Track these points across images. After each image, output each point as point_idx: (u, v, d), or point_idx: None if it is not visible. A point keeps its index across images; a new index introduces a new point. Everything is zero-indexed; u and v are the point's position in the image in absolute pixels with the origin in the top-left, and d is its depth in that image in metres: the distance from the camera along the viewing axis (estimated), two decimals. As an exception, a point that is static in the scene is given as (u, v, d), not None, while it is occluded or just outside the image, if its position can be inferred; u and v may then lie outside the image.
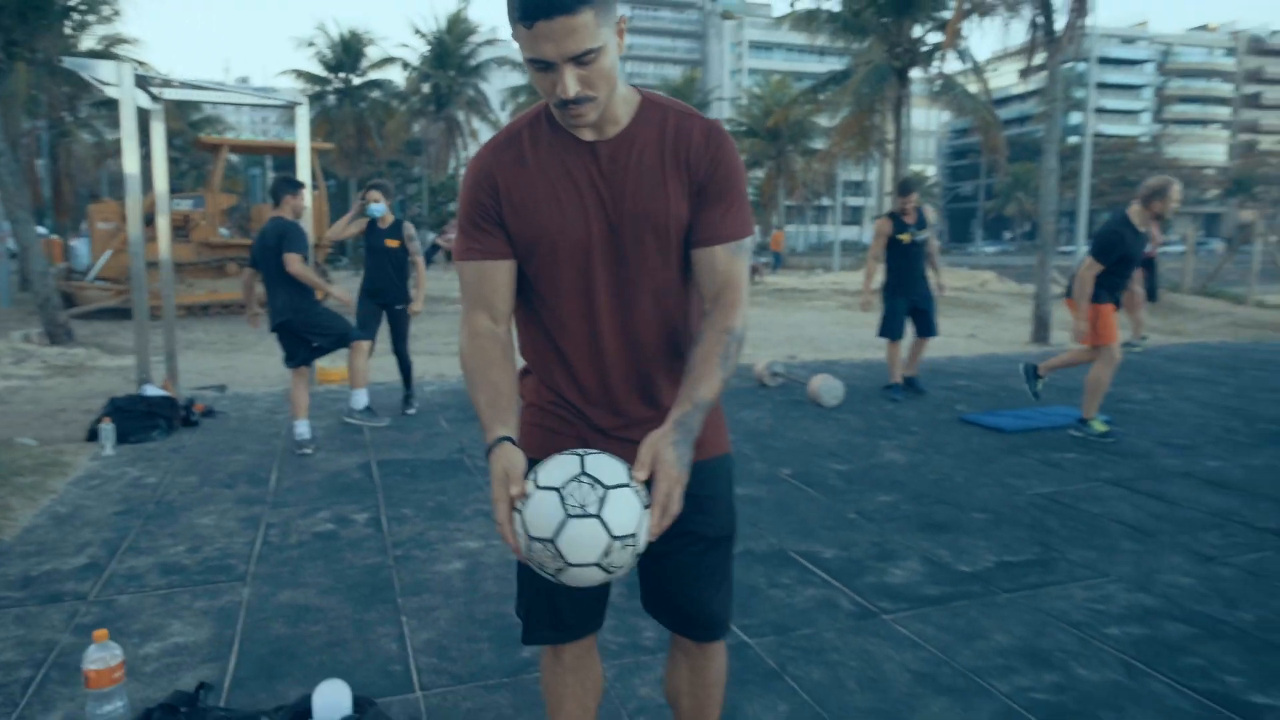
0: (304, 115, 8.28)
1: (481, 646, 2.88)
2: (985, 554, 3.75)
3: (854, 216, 72.93)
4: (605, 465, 1.40)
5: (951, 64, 22.22)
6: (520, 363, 1.72)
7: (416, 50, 40.54)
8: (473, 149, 41.04)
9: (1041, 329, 12.20)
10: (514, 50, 45.43)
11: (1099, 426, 5.78)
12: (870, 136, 25.18)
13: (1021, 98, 78.67)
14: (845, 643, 2.93)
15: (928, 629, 3.03)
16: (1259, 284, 18.07)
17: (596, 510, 1.34)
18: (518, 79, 43.16)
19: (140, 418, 5.60)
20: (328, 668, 2.70)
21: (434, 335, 12.08)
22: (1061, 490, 4.67)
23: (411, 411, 6.53)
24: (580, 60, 1.41)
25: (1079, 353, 6.08)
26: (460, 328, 1.65)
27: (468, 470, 5.02)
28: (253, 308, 5.81)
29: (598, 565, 1.35)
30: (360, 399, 5.64)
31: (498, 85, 43.31)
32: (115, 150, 33.66)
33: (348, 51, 39.69)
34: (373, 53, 40.03)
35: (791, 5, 23.97)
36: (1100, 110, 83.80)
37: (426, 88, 39.73)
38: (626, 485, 1.38)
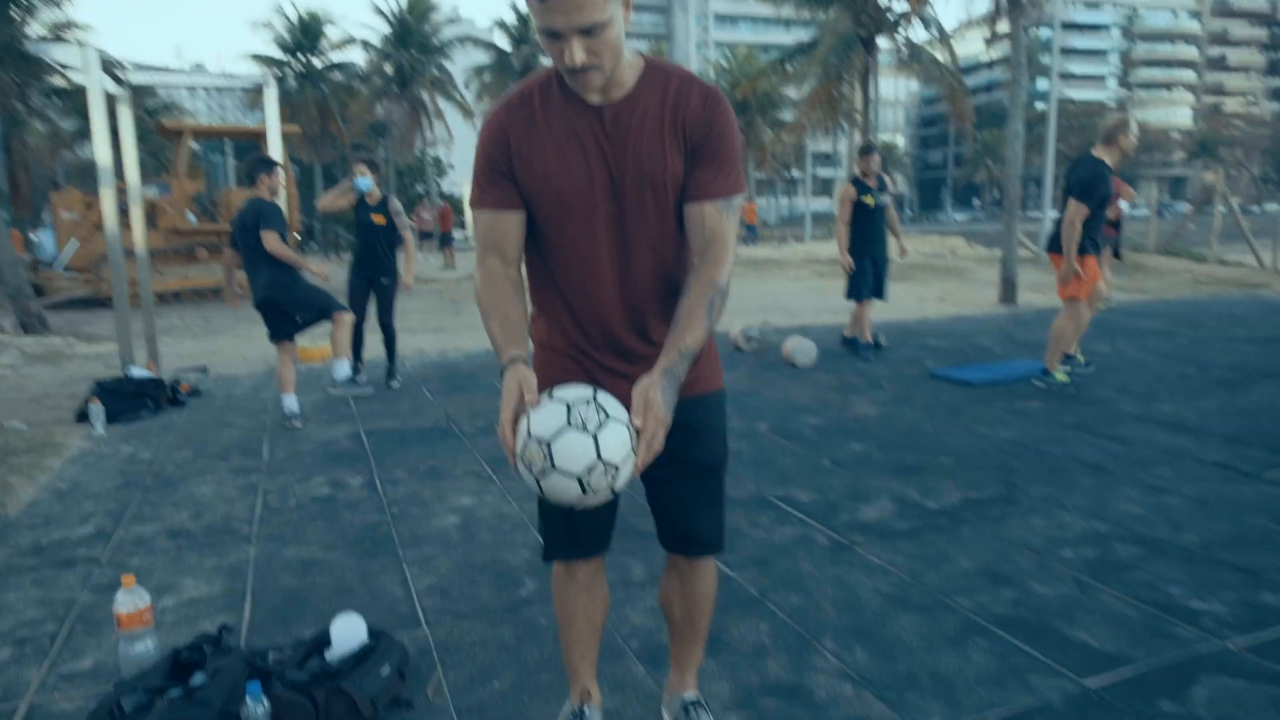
0: (273, 97, 8.33)
1: (481, 588, 3.06)
2: (952, 492, 3.98)
3: (824, 188, 73.05)
4: (613, 402, 1.57)
5: (917, 32, 22.39)
6: (531, 307, 1.88)
7: (378, 30, 40.07)
8: (439, 129, 40.77)
9: (1009, 290, 12.47)
10: (478, 29, 45.02)
11: (1061, 376, 6.03)
12: (838, 107, 25.34)
13: (989, 65, 78.98)
14: (821, 572, 3.14)
15: (897, 558, 3.25)
16: (1221, 243, 18.51)
17: (594, 430, 1.51)
18: (481, 57, 42.79)
19: (128, 398, 5.70)
20: (338, 611, 2.86)
21: (411, 313, 12.15)
22: (1025, 435, 4.91)
23: (395, 385, 6.67)
24: (588, 32, 1.54)
25: (1069, 317, 6.05)
26: (475, 270, 1.81)
27: (455, 436, 5.18)
28: (231, 288, 5.87)
29: (578, 479, 1.50)
30: (343, 369, 5.79)
31: (462, 64, 42.91)
32: (72, 139, 33.20)
33: (306, 33, 39.18)
34: (333, 33, 39.56)
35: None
36: (1066, 76, 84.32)
37: (389, 68, 39.34)
38: (625, 425, 1.55)
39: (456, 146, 45.28)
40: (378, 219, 6.41)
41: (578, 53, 1.55)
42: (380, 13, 39.68)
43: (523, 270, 1.85)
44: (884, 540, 3.43)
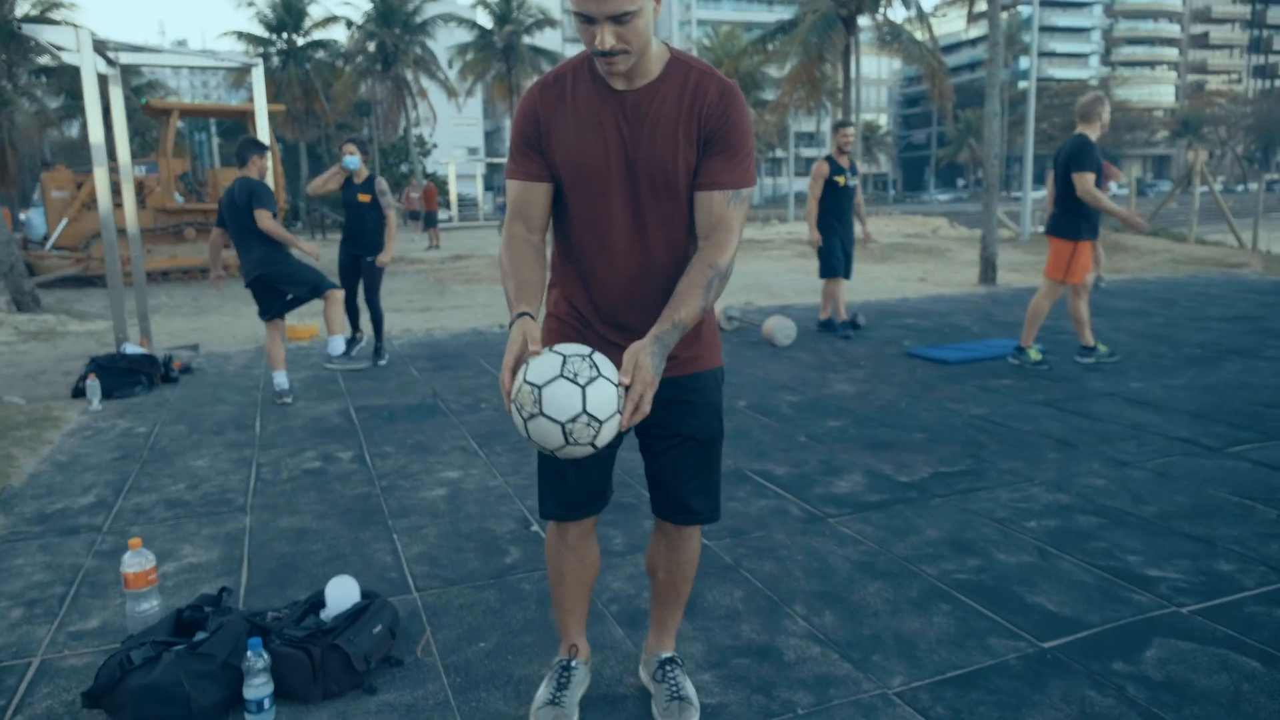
0: (259, 77, 8.37)
1: (468, 556, 3.19)
2: (923, 467, 4.13)
3: (807, 168, 73.02)
4: (607, 363, 1.70)
5: (898, 11, 22.42)
6: (549, 276, 2.02)
7: (359, 8, 39.79)
8: (423, 108, 40.60)
9: (989, 270, 12.62)
10: (460, 7, 44.63)
11: (1035, 355, 6.19)
12: (820, 86, 25.38)
13: (972, 43, 79.09)
14: (794, 542, 3.29)
15: (867, 528, 3.40)
16: (1204, 223, 18.70)
17: (584, 383, 1.64)
18: (464, 35, 42.55)
19: (123, 374, 5.80)
20: (331, 576, 2.99)
21: (398, 294, 12.24)
22: (996, 412, 5.07)
23: (383, 363, 6.80)
24: (618, 19, 1.66)
25: (1045, 293, 6.14)
26: (503, 232, 1.96)
27: (442, 413, 5.30)
28: (217, 269, 5.93)
29: (562, 426, 1.62)
30: (337, 345, 5.92)
31: (445, 43, 42.67)
32: (59, 118, 32.95)
33: (289, 11, 38.89)
34: (315, 12, 39.33)
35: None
36: (1048, 54, 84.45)
37: (372, 46, 39.09)
38: (615, 385, 1.68)
39: (440, 126, 45.08)
40: (363, 197, 6.56)
41: (608, 38, 1.68)
42: (363, -11, 39.40)
43: (547, 239, 1.98)
44: (855, 512, 3.58)
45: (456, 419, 5.14)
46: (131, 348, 6.44)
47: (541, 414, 1.63)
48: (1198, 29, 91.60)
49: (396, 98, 40.08)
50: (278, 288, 5.56)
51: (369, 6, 39.21)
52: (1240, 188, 64.59)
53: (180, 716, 2.14)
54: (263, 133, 8.25)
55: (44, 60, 25.81)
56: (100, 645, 2.57)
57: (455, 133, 62.05)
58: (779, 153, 53.52)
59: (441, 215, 31.36)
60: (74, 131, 38.93)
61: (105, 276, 13.21)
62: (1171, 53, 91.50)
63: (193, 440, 4.79)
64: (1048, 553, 3.14)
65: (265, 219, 5.38)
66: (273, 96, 35.60)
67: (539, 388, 1.63)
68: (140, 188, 15.60)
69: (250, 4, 38.46)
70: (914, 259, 16.30)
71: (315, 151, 41.24)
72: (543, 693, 2.17)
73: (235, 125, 34.20)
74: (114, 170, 7.68)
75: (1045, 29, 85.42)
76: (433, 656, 2.50)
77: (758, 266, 14.82)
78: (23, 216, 17.31)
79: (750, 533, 3.38)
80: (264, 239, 5.45)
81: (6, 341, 8.49)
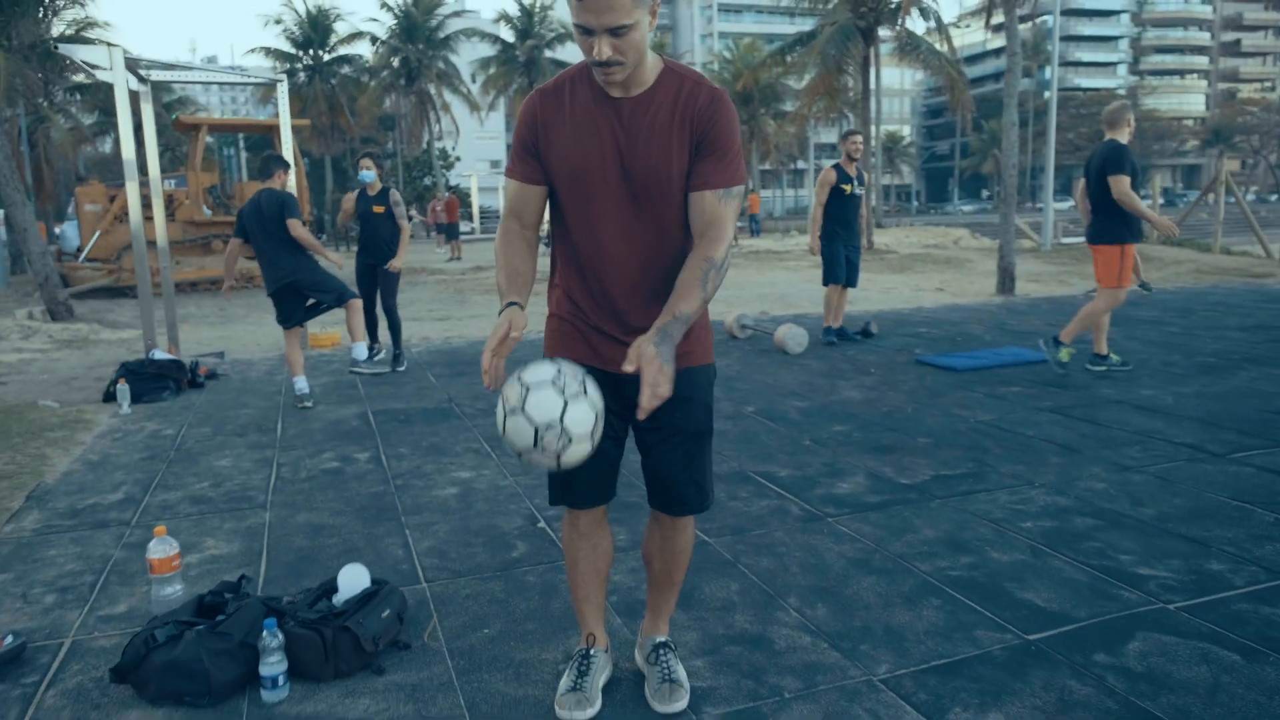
0: (284, 92, 8.59)
1: (476, 550, 3.31)
2: (925, 470, 4.21)
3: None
4: (597, 390, 1.83)
5: (917, 22, 22.47)
6: (552, 277, 2.18)
7: (384, 24, 40.41)
8: (445, 122, 41.09)
9: (1006, 280, 12.63)
10: (482, 21, 45.08)
11: (1065, 355, 6.14)
12: (840, 97, 25.45)
13: (995, 54, 78.70)
14: (792, 539, 3.38)
15: (865, 527, 3.49)
16: (1234, 233, 18.57)
17: (569, 396, 1.76)
18: (487, 50, 43.04)
19: (151, 379, 6.00)
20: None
21: (418, 303, 12.44)
22: (1002, 418, 5.13)
23: (401, 369, 6.98)
24: (615, 32, 1.78)
25: (1105, 302, 6.11)
26: (500, 226, 2.11)
27: (457, 416, 5.44)
28: (230, 279, 6.06)
29: (536, 429, 1.73)
30: (361, 350, 6.16)
31: (468, 57, 43.17)
32: (93, 134, 33.62)
33: (315, 27, 39.52)
34: (341, 28, 39.93)
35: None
36: (1075, 64, 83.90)
37: (396, 62, 39.65)
38: (598, 412, 1.80)
39: (463, 139, 45.52)
40: (378, 209, 6.81)
41: (605, 49, 1.80)
42: (386, 6, 39.97)
43: (540, 234, 2.12)
44: (855, 512, 3.66)
45: (470, 422, 5.28)
46: (160, 354, 6.64)
47: (522, 412, 1.74)
48: (1229, 36, 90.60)
49: (420, 112, 40.58)
50: (307, 294, 5.76)
51: (393, 22, 39.78)
52: (1274, 198, 63.80)
53: (200, 691, 2.27)
54: (287, 146, 8.48)
55: (79, 78, 26.40)
56: (127, 628, 2.72)
57: (478, 146, 62.62)
58: (800, 164, 53.55)
59: (463, 227, 31.69)
60: (107, 147, 39.72)
61: (135, 287, 13.47)
62: (1202, 61, 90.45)
63: (217, 441, 4.96)
64: (1041, 551, 3.21)
65: (297, 227, 5.61)
66: (299, 111, 36.16)
67: (527, 387, 1.75)
68: (169, 201, 15.96)
69: (278, 21, 39.14)
70: (932, 269, 16.32)
71: (340, 165, 41.80)
72: (565, 681, 2.27)
73: (262, 140, 34.77)
74: (144, 184, 7.91)
75: (1072, 38, 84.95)
76: (439, 642, 2.62)
77: (774, 276, 14.91)
78: (57, 230, 17.73)
79: (750, 531, 3.47)
80: (294, 248, 5.66)
81: (41, 349, 8.75)
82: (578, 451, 1.78)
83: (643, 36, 1.83)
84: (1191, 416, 5.03)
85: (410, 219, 28.61)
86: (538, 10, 41.76)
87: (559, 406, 1.75)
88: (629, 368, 1.79)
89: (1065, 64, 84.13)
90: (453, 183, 45.30)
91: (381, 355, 7.25)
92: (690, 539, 2.32)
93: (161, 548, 2.65)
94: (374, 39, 40.38)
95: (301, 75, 39.08)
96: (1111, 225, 5.92)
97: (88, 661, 2.55)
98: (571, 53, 47.59)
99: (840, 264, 7.65)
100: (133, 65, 7.28)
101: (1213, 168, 74.65)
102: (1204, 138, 76.17)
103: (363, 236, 6.94)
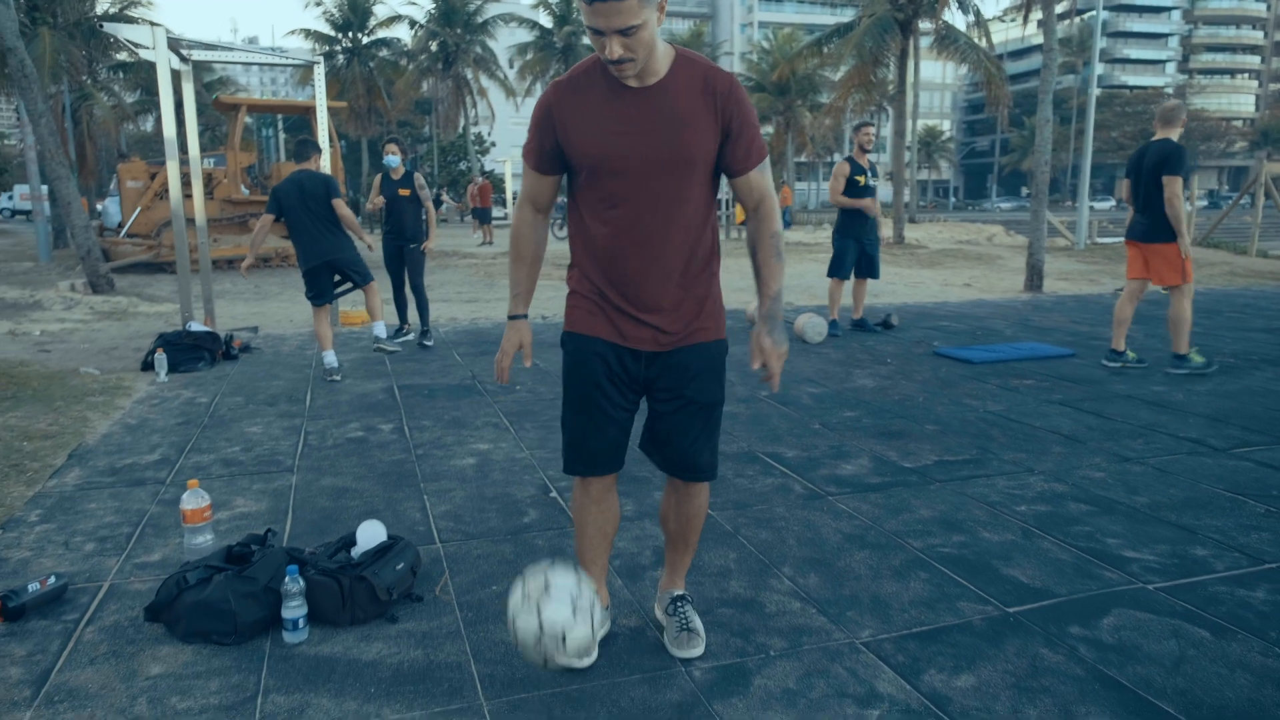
0: (321, 75, 8.81)
1: (489, 515, 3.49)
2: (929, 455, 4.32)
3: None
4: (601, 613, 2.20)
5: (958, 17, 22.31)
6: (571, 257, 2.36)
7: (423, 8, 40.69)
8: (481, 107, 41.35)
9: (1035, 277, 12.60)
10: (520, 7, 45.27)
11: (1197, 358, 6.18)
12: (876, 90, 25.33)
13: (1039, 49, 77.55)
14: (792, 515, 3.52)
15: (864, 506, 3.61)
16: (1272, 237, 18.28)
17: (580, 615, 2.07)
18: (524, 35, 43.21)
19: (188, 350, 6.24)
20: (365, 529, 3.32)
21: (447, 285, 12.66)
22: (1011, 409, 5.22)
23: (429, 344, 7.23)
24: (625, 32, 1.93)
25: (1185, 299, 6.08)
26: (516, 208, 2.29)
27: (479, 393, 5.63)
28: (254, 256, 6.17)
29: (541, 632, 2.04)
30: (381, 329, 6.45)
31: (505, 42, 43.37)
32: (135, 112, 34.24)
33: (355, 10, 39.90)
34: (380, 11, 40.27)
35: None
36: (1122, 61, 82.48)
37: (434, 46, 39.93)
38: (596, 634, 2.16)
39: (498, 124, 45.77)
40: (404, 191, 7.12)
41: (616, 48, 1.95)
42: (427, -11, 40.24)
43: (551, 218, 2.35)
44: (856, 492, 3.79)
45: (491, 398, 5.46)
46: (196, 326, 6.89)
47: (537, 612, 2.04)
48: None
49: (456, 96, 40.89)
50: (344, 271, 6.02)
51: (432, 6, 40.05)
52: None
53: (227, 630, 2.45)
54: (322, 128, 8.70)
55: (122, 56, 26.92)
56: (161, 574, 2.92)
57: (513, 131, 62.85)
58: (835, 157, 53.24)
59: (496, 212, 31.96)
60: (148, 125, 40.42)
61: (173, 263, 13.79)
62: (1254, 60, 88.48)
63: (248, 410, 5.18)
64: (1031, 533, 3.32)
65: (342, 206, 5.91)
66: (337, 94, 36.61)
67: (548, 591, 2.06)
68: (208, 179, 16.32)
69: (318, 3, 39.56)
70: (963, 265, 16.28)
71: (376, 148, 42.22)
72: None
73: (300, 121, 35.21)
74: (184, 163, 8.16)
75: (1121, 35, 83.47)
76: (450, 596, 2.79)
77: (802, 269, 14.95)
78: (100, 206, 18.19)
79: (753, 506, 3.61)
80: (335, 227, 5.90)
81: (83, 320, 9.07)
82: (563, 662, 2.10)
83: (651, 34, 1.96)
84: (1199, 413, 5.09)
85: (440, 203, 28.78)
86: (576, -3, 41.88)
87: (568, 623, 2.04)
88: (755, 365, 2.14)
89: (1113, 61, 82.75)
90: (487, 168, 45.62)
91: (410, 336, 7.50)
92: (704, 503, 2.47)
93: (194, 499, 2.85)
94: (412, 23, 40.71)
95: (340, 58, 39.54)
96: (1168, 222, 5.90)
97: (124, 603, 2.75)
98: (608, 40, 47.67)
99: (849, 259, 7.74)
100: (175, 45, 7.51)
101: (1258, 170, 72.98)
102: (1252, 139, 74.59)
103: (390, 219, 7.22)
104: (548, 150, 2.17)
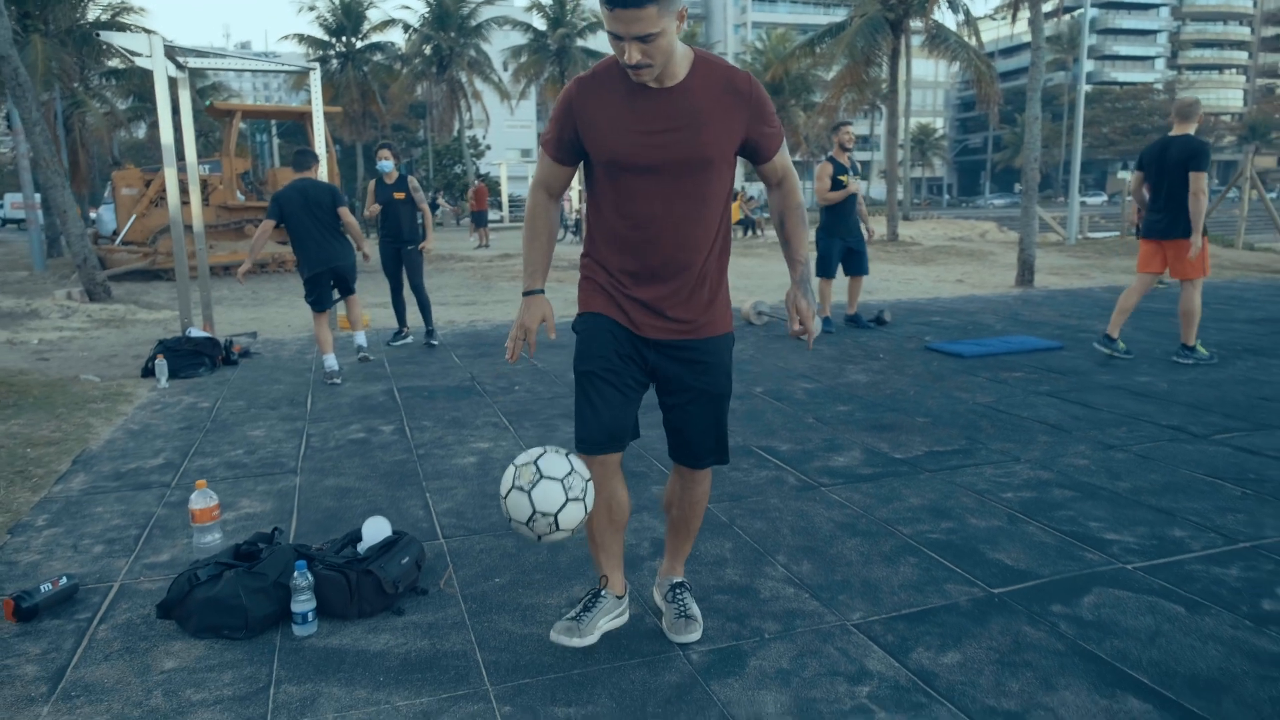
0: (317, 80, 8.88)
1: (491, 512, 3.57)
2: (919, 446, 4.41)
3: (863, 172, 72.64)
4: (593, 495, 2.19)
5: (948, 16, 22.42)
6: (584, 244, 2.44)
7: (416, 11, 40.70)
8: (476, 110, 41.41)
9: (1026, 273, 12.71)
10: (514, 9, 45.30)
11: (1203, 350, 6.30)
12: (868, 89, 25.44)
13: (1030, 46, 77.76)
14: (786, 506, 3.61)
15: (855, 496, 3.71)
16: (1261, 230, 18.41)
17: (573, 496, 2.13)
18: (518, 38, 43.26)
19: (188, 356, 6.32)
20: (369, 526, 3.40)
21: (445, 289, 12.74)
22: (1000, 400, 5.32)
23: (435, 344, 7.41)
24: (644, 39, 2.00)
25: (1196, 292, 6.15)
26: (530, 191, 2.37)
27: (478, 393, 5.71)
28: (250, 262, 6.08)
29: (533, 512, 2.11)
30: (362, 338, 6.73)
31: (499, 45, 43.41)
32: (127, 119, 34.26)
33: (348, 15, 39.93)
34: (373, 15, 40.34)
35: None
36: (1112, 57, 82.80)
37: (428, 49, 39.96)
38: (588, 510, 2.16)
39: (493, 127, 45.83)
40: (399, 195, 7.24)
41: (635, 54, 2.02)
42: (420, -6, 40.26)
43: (564, 202, 2.45)
44: (848, 483, 3.88)
45: (490, 399, 5.54)
46: (196, 332, 6.96)
47: (528, 494, 2.09)
48: (1269, 31, 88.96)
49: (451, 100, 40.91)
50: (345, 278, 6.18)
51: (425, 10, 40.09)
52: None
53: (238, 625, 2.54)
54: (319, 134, 8.79)
55: (114, 63, 26.95)
56: (170, 574, 2.99)
57: (508, 134, 62.98)
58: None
59: (492, 215, 32.02)
60: (141, 132, 40.44)
61: (170, 270, 13.84)
62: (1241, 56, 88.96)
63: (250, 414, 5.26)
64: (1017, 519, 3.42)
65: (348, 214, 6.06)
66: (331, 98, 36.59)
67: (540, 476, 2.10)
68: (204, 186, 16.37)
69: (312, 8, 39.57)
70: (955, 261, 16.39)
71: (370, 153, 42.27)
72: (568, 612, 2.51)
73: (295, 126, 35.25)
74: (181, 169, 8.23)
75: (1109, 31, 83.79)
76: (454, 589, 2.88)
77: (796, 266, 15.07)
78: (93, 214, 18.23)
79: (747, 498, 3.70)
80: (338, 235, 6.03)
81: (81, 328, 9.14)
82: (558, 538, 2.16)
83: (670, 41, 2.03)
84: (1182, 401, 5.19)
85: (436, 207, 28.73)
86: (570, -1, 41.93)
87: (560, 502, 2.09)
88: (794, 326, 2.23)
89: (1102, 57, 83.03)
90: (482, 171, 45.67)
91: (409, 339, 7.58)
92: (706, 490, 2.55)
93: (203, 499, 2.93)
94: (406, 26, 40.73)
95: (334, 62, 39.55)
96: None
97: (135, 601, 2.84)
98: (603, 41, 47.75)
99: (834, 258, 7.86)
100: (171, 53, 7.58)
101: (1246, 164, 73.23)
102: (1240, 133, 74.91)
103: (385, 223, 7.33)
104: (566, 142, 2.25)
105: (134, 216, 15.58)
